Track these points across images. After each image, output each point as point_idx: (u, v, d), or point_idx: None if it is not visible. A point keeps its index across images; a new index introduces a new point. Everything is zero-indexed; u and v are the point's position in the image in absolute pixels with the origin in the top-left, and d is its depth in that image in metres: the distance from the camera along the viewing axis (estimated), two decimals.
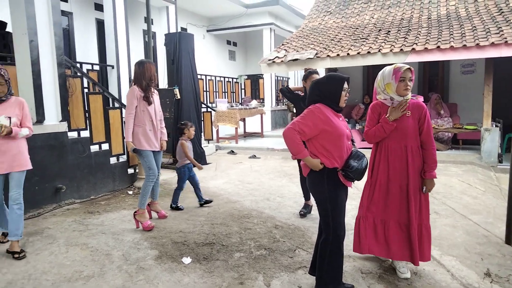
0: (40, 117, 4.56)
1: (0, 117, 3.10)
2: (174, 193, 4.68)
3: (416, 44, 7.23)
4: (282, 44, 9.50)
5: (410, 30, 8.25)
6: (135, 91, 3.90)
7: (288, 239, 3.58)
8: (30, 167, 3.34)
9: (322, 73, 9.50)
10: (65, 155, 4.80)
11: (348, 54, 7.68)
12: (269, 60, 8.63)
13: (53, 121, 4.73)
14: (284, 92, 4.32)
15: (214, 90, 12.16)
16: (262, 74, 12.78)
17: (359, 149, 2.54)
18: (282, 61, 8.40)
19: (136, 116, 3.90)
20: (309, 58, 7.99)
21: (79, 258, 3.20)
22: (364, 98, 9.76)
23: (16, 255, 3.18)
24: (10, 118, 3.15)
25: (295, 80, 15.87)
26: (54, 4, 4.68)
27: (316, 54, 8.07)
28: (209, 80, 11.79)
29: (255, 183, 5.96)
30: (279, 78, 14.25)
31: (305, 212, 4.26)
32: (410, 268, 2.89)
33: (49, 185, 4.60)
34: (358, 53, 7.58)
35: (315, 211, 4.12)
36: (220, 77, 12.56)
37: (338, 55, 7.77)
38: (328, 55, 7.85)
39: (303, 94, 4.30)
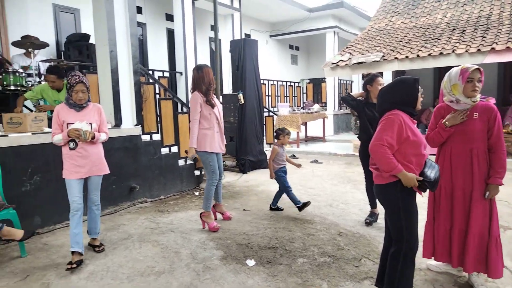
0: (118, 121, 4.94)
1: (82, 123, 3.22)
2: (276, 195, 4.76)
3: (496, 43, 6.68)
4: (347, 47, 9.30)
5: (489, 28, 7.64)
6: (197, 97, 3.94)
7: (353, 248, 3.49)
8: (107, 171, 3.49)
9: (386, 77, 9.14)
10: (138, 157, 5.14)
11: (418, 55, 7.31)
12: (333, 63, 8.50)
13: (129, 125, 5.09)
14: (347, 100, 4.13)
15: (276, 94, 12.25)
16: (324, 78, 12.61)
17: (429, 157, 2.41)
18: (346, 64, 8.23)
19: (205, 120, 3.96)
20: (375, 60, 7.74)
21: (151, 254, 3.40)
22: (434, 101, 9.22)
23: (97, 249, 3.47)
24: (91, 124, 3.27)
25: (359, 84, 15.44)
26: (131, 17, 5.06)
27: (383, 56, 7.79)
28: (271, 84, 11.91)
29: (317, 188, 5.89)
30: (342, 81, 13.97)
31: (371, 220, 4.11)
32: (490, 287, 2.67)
33: (124, 184, 4.95)
34: (429, 54, 7.18)
35: (381, 220, 3.97)
36: (282, 81, 12.63)
37: (406, 57, 7.43)
38: (395, 57, 7.54)
39: (365, 99, 4.12)
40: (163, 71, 8.14)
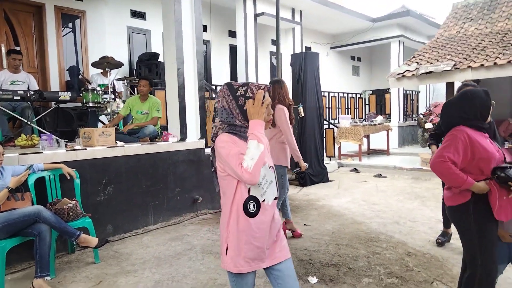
0: (183, 135, 5.16)
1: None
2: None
3: None
4: (413, 57, 8.88)
5: None
6: (286, 110, 3.85)
7: (424, 269, 3.25)
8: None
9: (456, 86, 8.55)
10: (201, 169, 5.31)
11: (495, 63, 6.75)
12: (398, 74, 8.15)
13: (193, 139, 5.29)
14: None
15: (337, 106, 12.02)
16: (388, 89, 12.14)
17: None
18: (413, 74, 7.85)
19: (282, 134, 3.88)
20: (445, 70, 7.28)
21: (213, 266, 3.45)
22: None
23: None
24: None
25: (427, 95, 14.65)
26: (197, 35, 5.30)
27: (454, 65, 7.30)
28: (332, 96, 11.72)
29: (381, 204, 5.62)
30: (407, 92, 13.35)
31: (443, 240, 3.81)
32: None
33: (188, 195, 5.13)
34: (509, 61, 6.60)
35: (454, 240, 3.67)
36: (343, 93, 12.38)
37: (482, 65, 6.89)
38: (469, 66, 7.03)
39: None
40: None
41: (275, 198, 1.73)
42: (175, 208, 4.94)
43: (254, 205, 1.65)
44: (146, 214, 4.62)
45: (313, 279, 3.10)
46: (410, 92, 13.69)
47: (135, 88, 6.16)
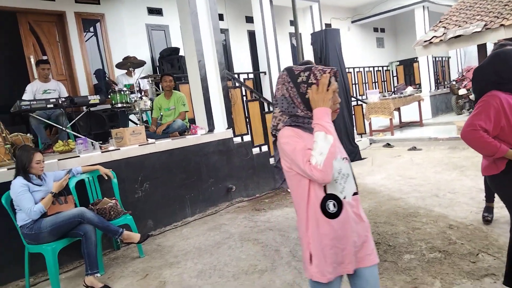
0: (211, 127, 5.21)
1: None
2: None
3: None
4: (440, 21, 8.47)
5: None
6: None
7: (467, 241, 3.16)
8: None
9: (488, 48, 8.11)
10: (232, 159, 5.35)
11: None
12: (425, 41, 7.81)
13: (221, 129, 5.33)
14: None
15: (364, 81, 11.72)
16: (416, 58, 11.67)
17: None
18: (441, 40, 7.50)
19: None
20: (475, 31, 6.91)
21: (252, 252, 3.51)
22: None
23: None
24: None
25: (458, 60, 13.99)
26: (214, 25, 5.29)
27: (485, 25, 6.91)
28: (357, 72, 11.43)
29: (418, 177, 5.48)
30: (437, 59, 12.79)
31: (491, 217, 3.51)
32: None
33: (221, 185, 5.20)
34: None
35: (497, 209, 3.52)
36: (369, 67, 12.03)
37: None
38: (501, 24, 6.63)
39: None
40: (247, 73, 8.35)
41: (355, 193, 1.51)
42: (210, 199, 5.04)
43: (334, 204, 1.43)
44: (183, 206, 4.74)
45: None
46: (440, 58, 13.10)
47: (160, 85, 6.26)
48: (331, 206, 1.43)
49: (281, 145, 1.47)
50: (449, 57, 13.85)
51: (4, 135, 3.98)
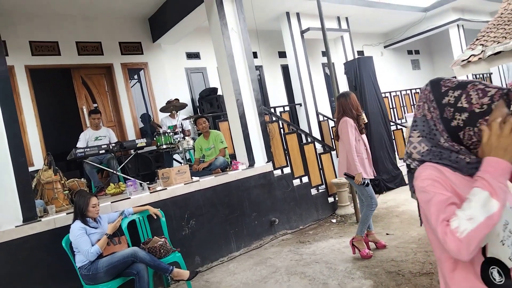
0: (251, 161, 5.34)
1: None
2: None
3: None
4: (477, 39, 8.29)
5: None
6: (350, 121, 3.89)
7: None
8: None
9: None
10: (273, 191, 5.42)
11: None
12: (463, 60, 7.65)
13: (261, 163, 5.45)
14: None
15: (402, 105, 11.52)
16: (455, 77, 11.33)
17: None
18: (480, 58, 7.32)
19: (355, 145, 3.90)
20: None
21: (300, 286, 3.49)
22: None
23: None
24: None
25: (500, 75, 13.46)
26: (250, 64, 5.54)
27: None
28: (394, 96, 11.28)
29: None
30: (478, 76, 12.39)
31: None
32: None
33: (265, 219, 5.25)
34: None
35: None
36: (406, 90, 11.85)
37: None
38: None
39: None
40: (283, 106, 8.53)
41: None
42: (254, 233, 5.09)
43: (499, 272, 1.04)
44: (228, 241, 4.82)
45: None
46: (481, 75, 12.69)
47: None
48: (495, 274, 1.04)
49: (416, 188, 1.13)
50: (490, 73, 13.37)
51: (63, 182, 4.33)
